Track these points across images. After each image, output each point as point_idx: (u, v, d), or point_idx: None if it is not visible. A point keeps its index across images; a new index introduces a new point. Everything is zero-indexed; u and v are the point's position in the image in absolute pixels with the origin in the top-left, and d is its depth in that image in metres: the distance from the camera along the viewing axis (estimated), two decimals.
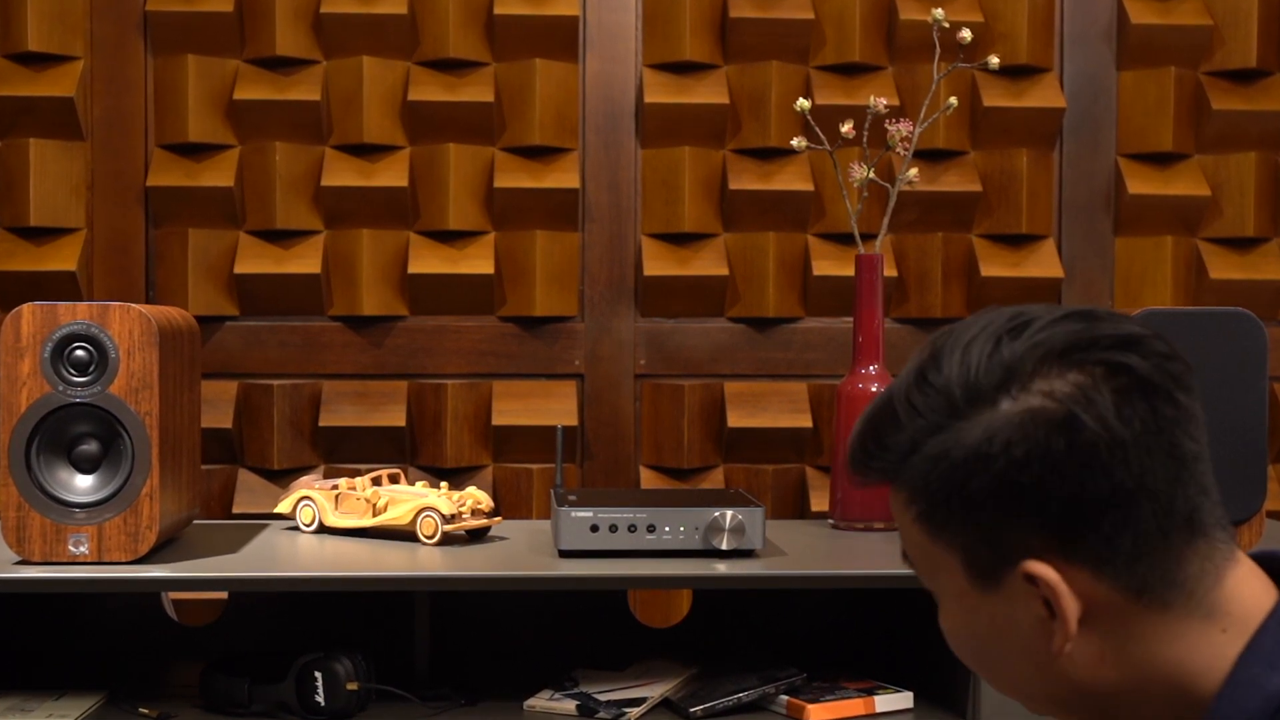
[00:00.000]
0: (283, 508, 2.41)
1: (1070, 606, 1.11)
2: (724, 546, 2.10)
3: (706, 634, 2.48)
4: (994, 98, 2.97)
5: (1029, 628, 1.14)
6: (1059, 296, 2.97)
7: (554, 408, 2.93)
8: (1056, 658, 1.14)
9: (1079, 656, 1.14)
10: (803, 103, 2.53)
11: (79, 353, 2.00)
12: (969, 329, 1.15)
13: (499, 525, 2.38)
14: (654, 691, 2.16)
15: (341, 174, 2.92)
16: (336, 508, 2.35)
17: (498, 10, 2.92)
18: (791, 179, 2.95)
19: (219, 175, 2.91)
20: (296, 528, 2.40)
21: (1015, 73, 2.99)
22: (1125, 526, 1.10)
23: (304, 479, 2.47)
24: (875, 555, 2.26)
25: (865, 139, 2.54)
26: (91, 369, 2.01)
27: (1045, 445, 1.09)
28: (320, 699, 2.07)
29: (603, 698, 2.13)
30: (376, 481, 2.42)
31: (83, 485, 2.03)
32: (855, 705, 2.11)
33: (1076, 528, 1.10)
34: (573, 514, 2.10)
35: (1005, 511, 1.11)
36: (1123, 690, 1.17)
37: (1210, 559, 1.12)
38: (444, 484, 2.38)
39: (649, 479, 2.96)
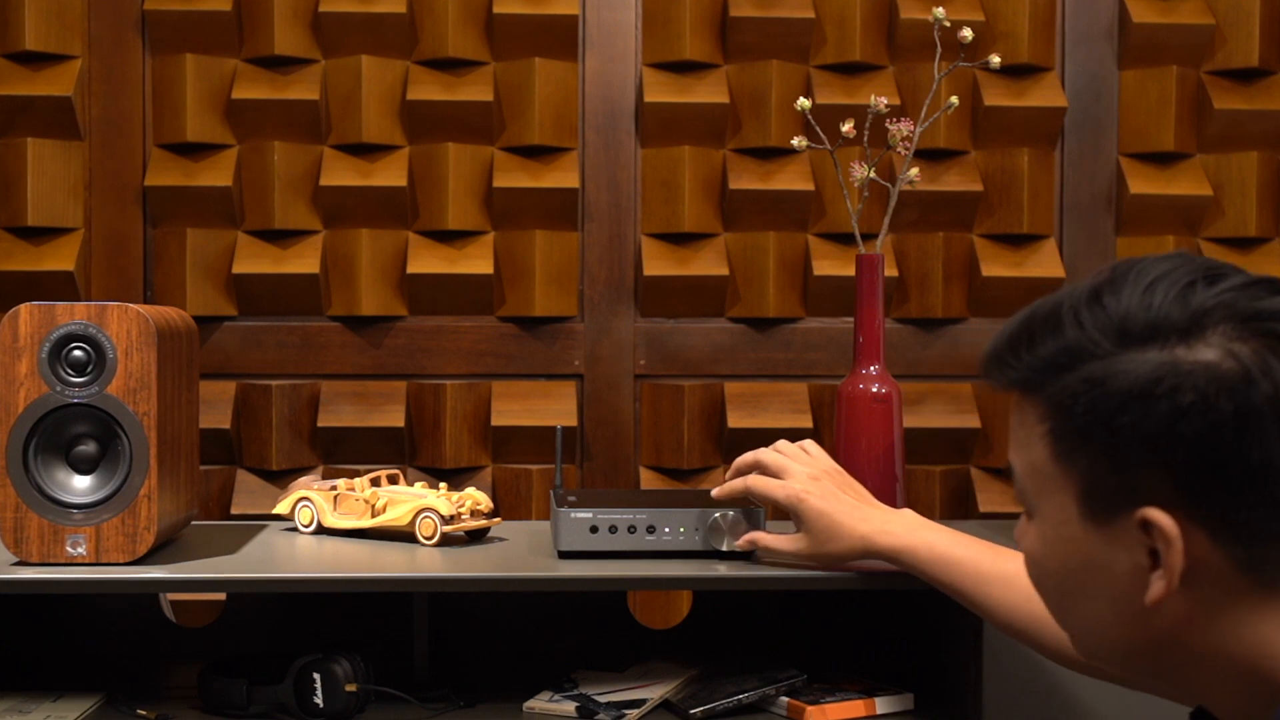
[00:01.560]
0: (281, 508, 2.41)
1: (1178, 564, 1.10)
2: (724, 548, 2.10)
3: (706, 635, 2.48)
4: (995, 97, 2.97)
5: (1125, 573, 1.13)
6: None
7: (553, 408, 2.93)
8: (1146, 609, 1.12)
9: (1166, 613, 1.12)
10: (803, 102, 2.53)
11: (77, 353, 2.00)
12: (1156, 265, 1.13)
13: (498, 526, 2.38)
14: (654, 693, 2.16)
15: (340, 174, 2.92)
16: (335, 509, 2.35)
17: (497, 9, 2.92)
18: (792, 178, 2.95)
19: (217, 175, 2.91)
20: (295, 529, 2.40)
21: (1016, 72, 2.99)
22: (1261, 502, 1.08)
23: (302, 480, 2.47)
24: None
25: (866, 138, 2.53)
26: (89, 369, 2.00)
27: (1213, 401, 1.07)
28: (319, 700, 2.07)
29: (602, 699, 2.13)
30: (375, 482, 2.42)
31: (80, 486, 2.03)
32: (856, 707, 2.11)
33: (1213, 490, 1.08)
34: (572, 515, 2.10)
35: (1147, 455, 1.09)
36: (1199, 658, 1.15)
37: None
38: (443, 485, 2.38)
39: (649, 480, 2.96)
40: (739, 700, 2.11)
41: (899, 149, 2.50)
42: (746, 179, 2.96)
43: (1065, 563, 1.17)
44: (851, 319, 2.60)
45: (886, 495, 2.41)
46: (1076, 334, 1.12)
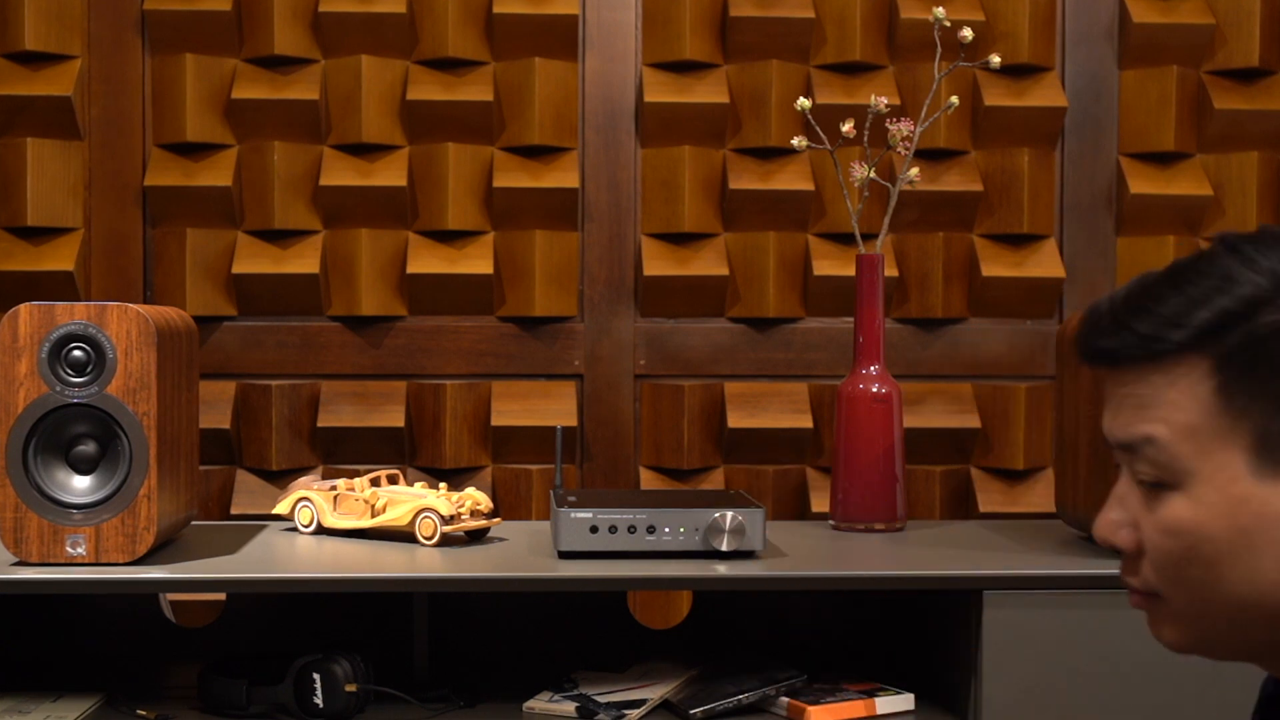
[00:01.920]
0: (281, 509, 2.41)
1: None
2: (724, 548, 2.10)
3: (707, 635, 2.48)
4: (995, 97, 2.97)
5: None
6: (1061, 297, 2.97)
7: (553, 408, 2.93)
8: None
9: None
10: (803, 102, 2.53)
11: (76, 353, 2.00)
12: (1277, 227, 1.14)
13: (498, 526, 2.38)
14: (654, 693, 2.16)
15: (340, 174, 2.92)
16: (335, 509, 2.35)
17: (497, 9, 2.92)
18: (792, 178, 2.95)
19: (217, 175, 2.91)
20: (295, 529, 2.40)
21: (1016, 72, 2.99)
22: None
23: (302, 480, 2.47)
24: (876, 556, 2.26)
25: (866, 138, 2.53)
26: (89, 369, 2.01)
27: None
28: (319, 700, 2.07)
29: (602, 699, 2.13)
30: (375, 482, 2.42)
31: (80, 486, 2.03)
32: (856, 707, 2.11)
33: None
34: (572, 515, 2.10)
35: None
36: None
37: None
38: (443, 485, 2.38)
39: (648, 480, 2.96)
40: (739, 700, 2.11)
41: (899, 149, 2.50)
42: (746, 179, 2.96)
43: (1234, 522, 1.11)
44: (851, 319, 2.60)
45: (886, 495, 2.41)
46: (1251, 282, 1.10)
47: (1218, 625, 1.16)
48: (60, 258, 2.89)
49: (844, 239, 2.96)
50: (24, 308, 2.00)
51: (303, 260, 2.91)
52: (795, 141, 2.55)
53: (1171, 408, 1.12)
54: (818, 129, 2.53)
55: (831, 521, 2.50)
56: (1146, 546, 1.16)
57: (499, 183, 2.93)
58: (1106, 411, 1.18)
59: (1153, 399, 1.13)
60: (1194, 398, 1.12)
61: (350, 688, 2.07)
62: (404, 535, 2.28)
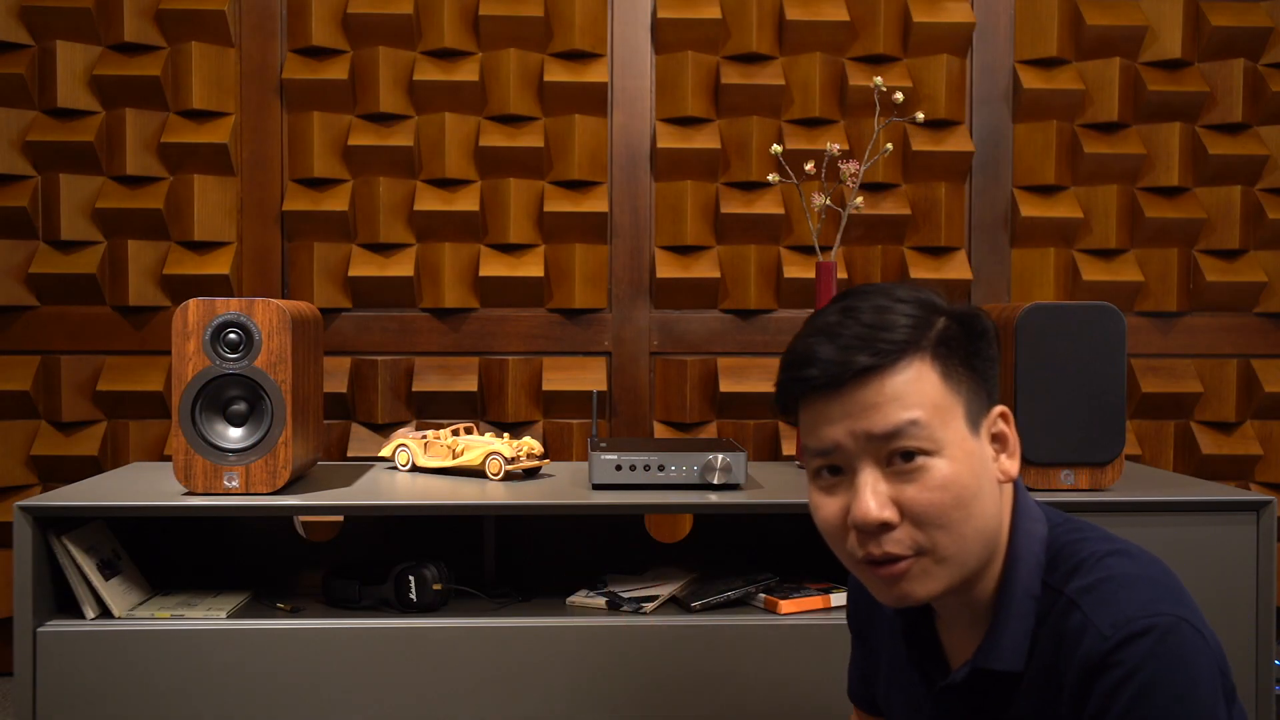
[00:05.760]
0: (385, 452, 2.39)
1: (1017, 437, 1.17)
2: (716, 481, 2.07)
3: (703, 547, 2.46)
4: (920, 144, 2.93)
5: (990, 464, 1.14)
6: (969, 294, 2.94)
7: (589, 377, 2.90)
8: (997, 488, 1.15)
9: (999, 494, 1.16)
10: (776, 148, 2.49)
11: (231, 335, 1.99)
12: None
13: (547, 466, 2.36)
14: (664, 590, 2.14)
15: (429, 201, 2.89)
16: (425, 453, 2.33)
17: (547, 78, 2.89)
18: (768, 205, 2.92)
19: (337, 202, 2.89)
20: (395, 468, 2.38)
21: (936, 125, 2.95)
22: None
23: (400, 431, 2.45)
24: None
25: (824, 175, 2.50)
26: (241, 348, 1.99)
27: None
28: (413, 596, 2.05)
29: (626, 594, 2.11)
30: (455, 433, 2.40)
31: (234, 435, 2.01)
32: (815, 601, 2.09)
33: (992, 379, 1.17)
34: (602, 457, 2.08)
35: (990, 367, 1.16)
36: (999, 541, 1.17)
37: None
38: (506, 435, 2.36)
39: (660, 431, 2.94)
40: (728, 596, 2.09)
41: (848, 183, 2.47)
42: (733, 205, 2.92)
43: (972, 469, 1.12)
44: (812, 310, 2.57)
45: None
46: (934, 302, 1.15)
47: (971, 553, 1.14)
48: (219, 264, 2.87)
49: (806, 250, 2.93)
50: (192, 302, 1.98)
51: (401, 266, 2.89)
52: (770, 178, 2.52)
53: (921, 395, 1.11)
54: (788, 168, 2.50)
55: (797, 463, 2.47)
56: (913, 510, 1.11)
57: (548, 208, 2.90)
58: (849, 420, 1.14)
59: (904, 393, 1.11)
60: (932, 384, 1.12)
61: (436, 586, 2.05)
62: (477, 472, 2.26)
